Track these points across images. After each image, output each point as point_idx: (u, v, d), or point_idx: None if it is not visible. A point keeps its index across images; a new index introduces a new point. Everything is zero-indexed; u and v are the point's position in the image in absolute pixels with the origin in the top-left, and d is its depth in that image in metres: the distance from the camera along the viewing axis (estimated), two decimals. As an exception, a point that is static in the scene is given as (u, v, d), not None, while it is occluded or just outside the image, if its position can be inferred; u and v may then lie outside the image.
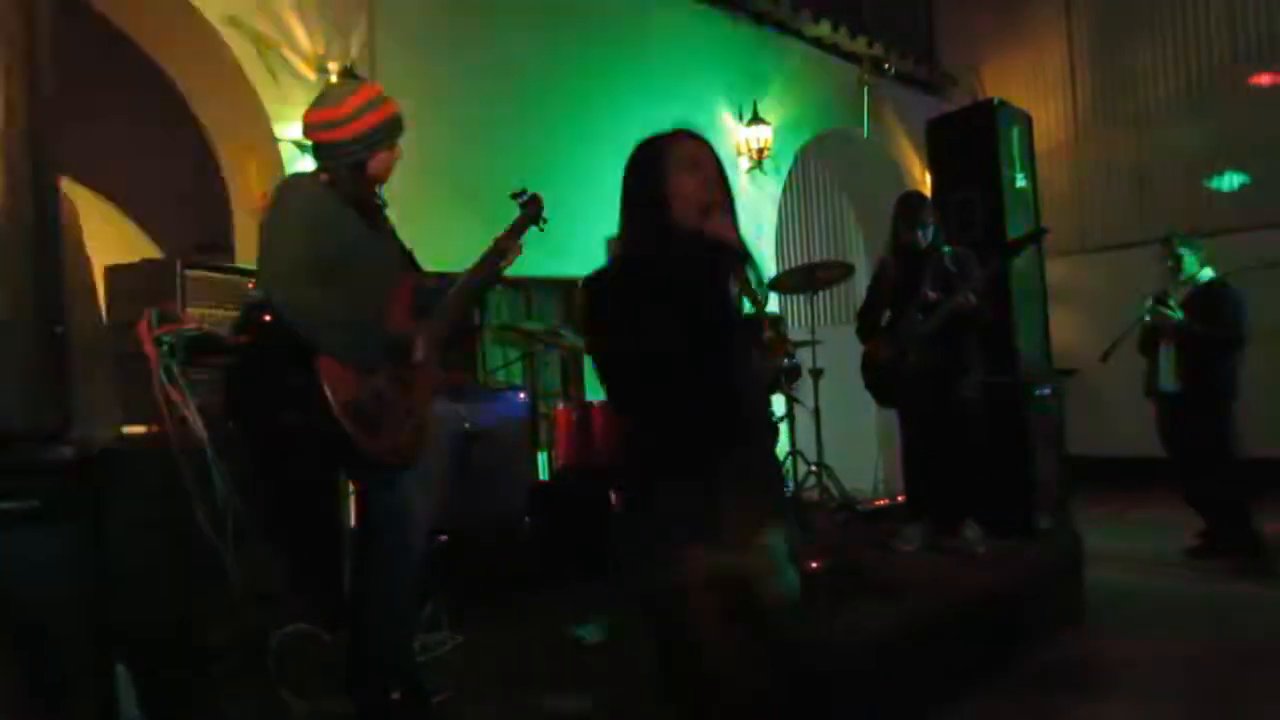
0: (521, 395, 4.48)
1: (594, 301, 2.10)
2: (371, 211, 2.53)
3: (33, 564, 1.24)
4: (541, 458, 4.81)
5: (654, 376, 1.95)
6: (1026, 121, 5.14)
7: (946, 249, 4.25)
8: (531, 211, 2.85)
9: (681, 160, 2.11)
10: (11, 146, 1.21)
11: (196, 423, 2.56)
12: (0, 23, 1.27)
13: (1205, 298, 5.12)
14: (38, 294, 1.23)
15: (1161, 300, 5.20)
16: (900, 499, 4.71)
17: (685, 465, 1.95)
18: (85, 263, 1.94)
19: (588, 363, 6.42)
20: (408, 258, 2.61)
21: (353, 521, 2.88)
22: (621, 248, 2.13)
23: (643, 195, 2.13)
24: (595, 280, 2.13)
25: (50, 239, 1.25)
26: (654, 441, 2.01)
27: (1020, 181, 4.94)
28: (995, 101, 4.98)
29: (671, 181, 2.08)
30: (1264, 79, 7.59)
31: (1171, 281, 5.25)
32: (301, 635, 2.74)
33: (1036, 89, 8.62)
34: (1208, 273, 5.20)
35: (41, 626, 1.25)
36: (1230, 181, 7.77)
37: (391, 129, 2.47)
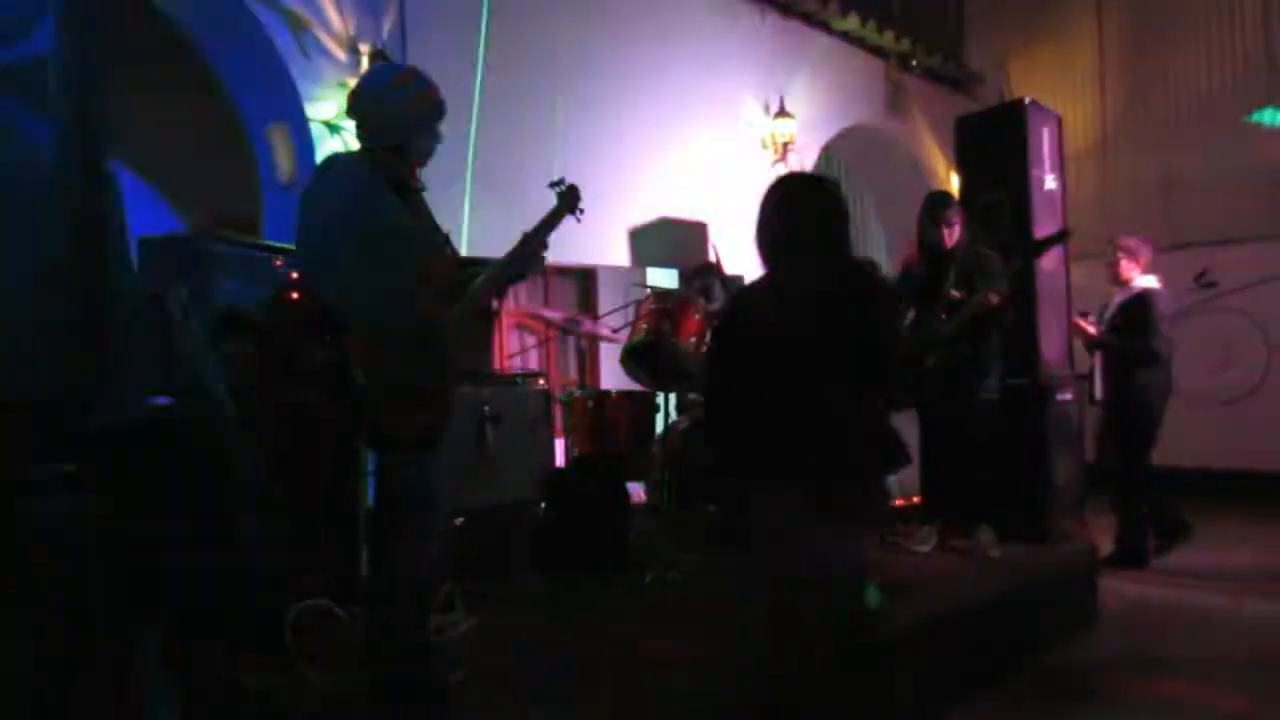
0: (539, 382, 4.49)
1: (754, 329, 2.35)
2: (409, 193, 2.54)
3: (70, 529, 1.26)
4: (559, 444, 4.82)
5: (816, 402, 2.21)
6: (1057, 122, 5.10)
7: (972, 249, 4.24)
8: (568, 201, 2.86)
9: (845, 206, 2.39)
10: (66, 114, 1.24)
11: (223, 397, 2.59)
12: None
13: (1130, 307, 5.10)
14: (84, 261, 1.26)
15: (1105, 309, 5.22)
16: (916, 500, 4.70)
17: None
18: (124, 234, 1.96)
19: (604, 350, 6.45)
20: (443, 241, 2.62)
21: (371, 500, 2.91)
22: (786, 280, 2.36)
23: (825, 234, 2.35)
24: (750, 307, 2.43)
25: (98, 208, 1.27)
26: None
27: (1049, 183, 4.91)
28: (1026, 101, 4.94)
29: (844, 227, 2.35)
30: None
31: (1112, 285, 5.24)
32: (318, 609, 2.77)
33: (1065, 89, 8.53)
34: (1147, 280, 5.16)
35: (77, 591, 1.28)
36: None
37: (434, 113, 2.49)
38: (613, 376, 6.30)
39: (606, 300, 6.91)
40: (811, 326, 2.22)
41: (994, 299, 4.03)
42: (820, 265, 2.32)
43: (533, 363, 5.77)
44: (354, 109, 2.46)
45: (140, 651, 1.39)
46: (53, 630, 1.26)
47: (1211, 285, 7.46)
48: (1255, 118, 7.53)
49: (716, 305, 4.81)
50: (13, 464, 1.24)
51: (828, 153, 7.84)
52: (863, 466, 2.28)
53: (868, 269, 2.49)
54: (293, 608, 2.70)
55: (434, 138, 2.52)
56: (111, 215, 1.39)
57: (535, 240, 2.71)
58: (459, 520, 3.64)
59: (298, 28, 4.57)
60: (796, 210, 2.38)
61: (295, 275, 2.43)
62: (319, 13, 4.66)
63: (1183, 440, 7.20)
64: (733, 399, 2.36)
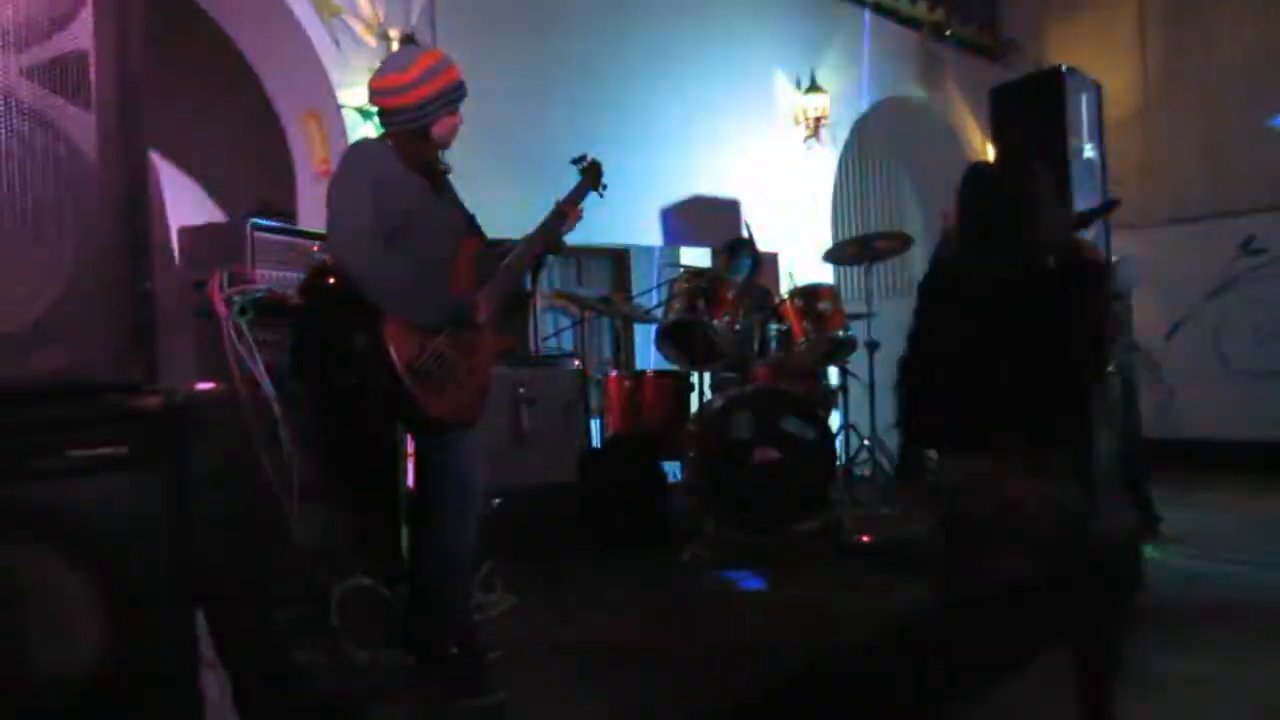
0: (574, 362, 4.52)
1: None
2: (436, 176, 2.56)
3: (121, 507, 1.29)
4: (594, 425, 4.85)
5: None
6: (1096, 90, 4.99)
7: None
8: (592, 177, 2.87)
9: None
10: (105, 103, 1.26)
11: (264, 380, 2.64)
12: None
13: None
14: (129, 253, 1.29)
15: None
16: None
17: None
18: (162, 219, 2.01)
19: (639, 330, 6.46)
20: (471, 222, 2.64)
21: (410, 481, 2.95)
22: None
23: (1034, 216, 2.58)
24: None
25: (140, 202, 1.30)
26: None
27: (1088, 152, 4.82)
28: (1064, 68, 4.84)
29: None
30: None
31: None
32: (362, 589, 2.82)
33: (1105, 55, 8.33)
34: None
35: (129, 569, 1.31)
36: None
37: (455, 94, 2.50)
38: (647, 356, 6.32)
39: (640, 280, 6.92)
40: (1020, 303, 2.43)
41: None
42: (1031, 244, 2.53)
43: (567, 344, 5.80)
44: (376, 94, 2.48)
45: (192, 627, 1.43)
46: (109, 606, 1.30)
47: (1259, 252, 7.28)
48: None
49: (741, 278, 4.78)
50: (65, 446, 1.27)
51: (862, 127, 7.75)
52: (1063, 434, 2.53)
53: (1082, 247, 2.69)
54: (337, 587, 2.75)
55: (457, 120, 2.53)
56: (150, 204, 1.42)
57: (559, 216, 2.72)
58: (497, 500, 3.68)
59: (327, 15, 4.60)
60: (1008, 191, 2.62)
61: (329, 260, 2.45)
62: (350, 1, 4.69)
63: (1230, 411, 7.10)
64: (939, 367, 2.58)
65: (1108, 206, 4.36)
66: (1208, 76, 7.97)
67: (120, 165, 1.27)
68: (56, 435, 1.22)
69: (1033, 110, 4.80)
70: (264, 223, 2.97)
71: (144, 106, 1.32)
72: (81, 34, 1.28)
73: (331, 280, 2.45)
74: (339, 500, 2.95)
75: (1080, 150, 4.75)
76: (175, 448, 1.31)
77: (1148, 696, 3.02)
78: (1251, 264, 7.31)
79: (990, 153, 5.36)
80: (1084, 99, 4.83)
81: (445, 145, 2.57)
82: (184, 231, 2.96)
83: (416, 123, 2.46)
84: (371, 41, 4.76)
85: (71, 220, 1.25)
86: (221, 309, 2.61)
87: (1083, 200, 4.62)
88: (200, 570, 1.43)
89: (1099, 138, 4.92)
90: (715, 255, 6.21)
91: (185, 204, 5.69)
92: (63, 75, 1.26)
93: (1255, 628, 3.78)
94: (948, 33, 8.25)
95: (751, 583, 3.64)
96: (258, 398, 2.64)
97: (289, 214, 4.96)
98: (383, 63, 2.59)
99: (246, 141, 5.70)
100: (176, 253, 2.87)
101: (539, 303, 5.37)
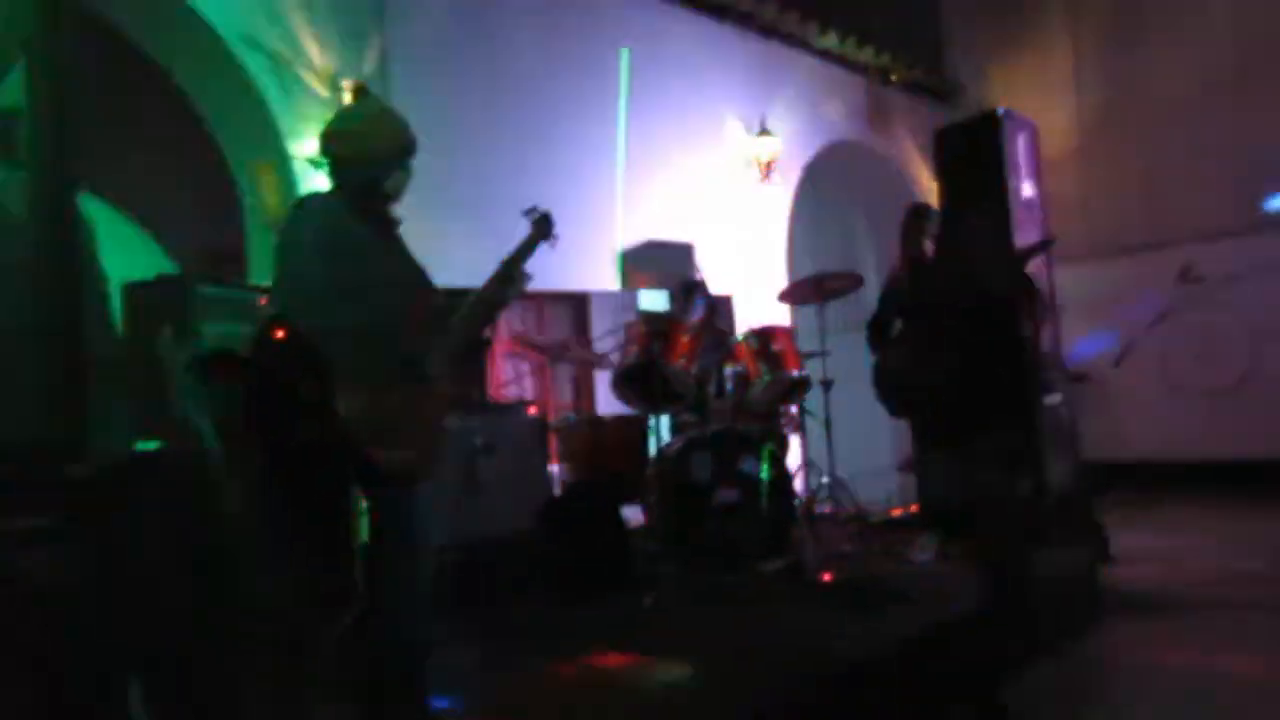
0: (533, 409, 4.49)
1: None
2: (385, 228, 2.56)
3: (51, 577, 1.26)
4: (554, 471, 4.82)
5: None
6: (1032, 130, 5.14)
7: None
8: (542, 229, 2.87)
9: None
10: (37, 162, 1.24)
11: (210, 437, 2.59)
12: (26, 39, 1.30)
13: None
14: (57, 311, 1.26)
15: None
16: (914, 508, 4.70)
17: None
18: (100, 278, 1.97)
19: (598, 375, 6.45)
20: (421, 274, 2.64)
21: (365, 536, 2.90)
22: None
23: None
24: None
25: (71, 258, 1.28)
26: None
27: (1027, 190, 4.95)
28: (1000, 111, 4.98)
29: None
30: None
31: None
32: (315, 645, 2.75)
33: (1043, 95, 8.60)
34: None
35: (60, 639, 1.27)
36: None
37: (405, 148, 2.51)
38: (607, 401, 6.31)
39: (599, 325, 6.93)
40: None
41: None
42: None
43: (526, 390, 5.77)
44: (326, 148, 2.48)
45: (126, 696, 1.38)
46: (41, 678, 1.26)
47: (1197, 280, 7.51)
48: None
49: (696, 320, 4.81)
50: (-5, 515, 1.24)
51: (813, 169, 7.88)
52: None
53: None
54: (287, 643, 2.68)
55: (406, 173, 2.54)
56: (87, 263, 1.40)
57: (511, 268, 2.72)
58: (455, 552, 3.63)
59: (279, 66, 4.61)
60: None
61: (278, 313, 2.43)
62: (300, 50, 4.70)
63: (1179, 432, 7.28)
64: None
65: (1044, 244, 4.48)
66: (1142, 111, 8.25)
67: (52, 225, 1.25)
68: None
69: (974, 152, 4.94)
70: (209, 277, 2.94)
71: (77, 164, 1.30)
72: (13, 92, 1.26)
73: (280, 333, 2.42)
74: (289, 554, 2.89)
75: (1019, 189, 4.87)
76: (107, 513, 1.28)
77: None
78: (1191, 291, 7.53)
79: (936, 193, 5.48)
80: (1020, 139, 4.98)
81: (395, 198, 2.57)
82: (129, 287, 2.91)
83: (367, 176, 2.47)
84: (324, 92, 4.76)
85: (2, 280, 1.22)
86: (166, 364, 2.57)
87: (1023, 237, 4.74)
88: (137, 631, 1.40)
89: (1036, 176, 5.06)
90: (671, 298, 6.25)
91: (133, 255, 5.62)
92: (-7, 135, 1.25)
93: (1213, 654, 3.83)
94: (894, 77, 8.46)
95: (714, 625, 3.61)
96: (204, 454, 2.59)
97: (239, 265, 4.91)
98: (334, 115, 2.59)
99: (197, 192, 5.66)
100: (121, 309, 2.82)
101: (497, 349, 5.35)
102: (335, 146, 2.47)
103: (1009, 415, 4.19)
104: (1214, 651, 3.79)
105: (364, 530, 2.84)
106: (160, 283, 3.03)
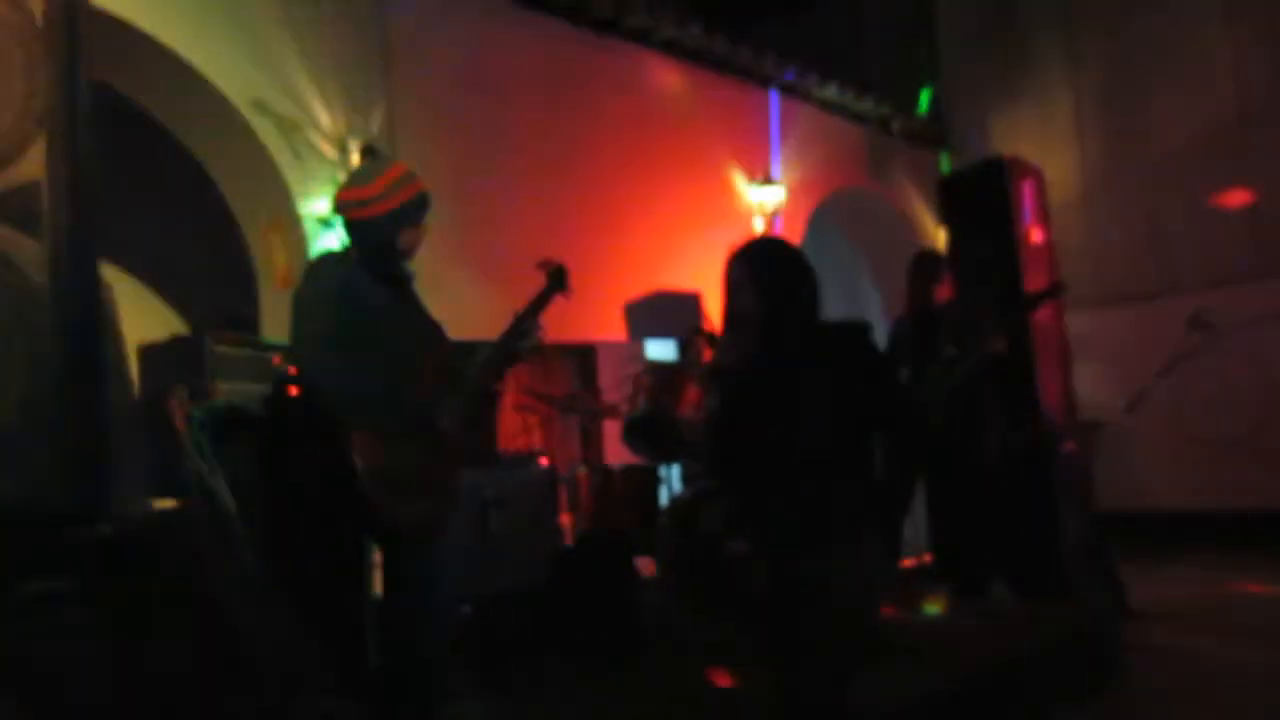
0: (543, 461, 4.49)
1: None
2: (400, 285, 2.59)
3: (67, 640, 1.25)
4: (565, 523, 4.79)
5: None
6: (1038, 176, 5.19)
7: (961, 306, 4.27)
8: (557, 281, 2.89)
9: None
10: (57, 231, 1.27)
11: (226, 496, 2.60)
12: (44, 112, 1.33)
13: None
14: (76, 377, 1.28)
15: None
16: (927, 558, 4.66)
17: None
18: (118, 341, 2.00)
19: (607, 427, 6.45)
20: (435, 329, 2.66)
21: (378, 590, 2.88)
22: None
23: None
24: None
25: (90, 322, 1.30)
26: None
27: (1035, 236, 4.97)
28: (1005, 158, 5.03)
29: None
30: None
31: None
32: (330, 711, 2.72)
33: (1046, 142, 8.67)
34: None
35: (75, 701, 1.27)
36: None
37: (419, 206, 2.54)
38: (616, 452, 6.30)
39: (607, 376, 6.94)
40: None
41: (999, 345, 4.03)
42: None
43: (536, 442, 5.76)
44: (339, 206, 2.52)
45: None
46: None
47: (1208, 327, 7.48)
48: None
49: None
50: (12, 579, 1.24)
51: (817, 218, 7.95)
52: None
53: None
54: (304, 711, 2.65)
55: (421, 229, 2.57)
56: (106, 326, 1.42)
57: (526, 321, 2.74)
58: (467, 607, 3.60)
59: (289, 130, 4.69)
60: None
61: (293, 371, 2.45)
62: (309, 113, 4.79)
63: (1192, 482, 7.20)
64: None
65: (1055, 290, 4.49)
66: (1146, 158, 8.30)
67: (73, 295, 1.27)
68: (3, 568, 1.19)
69: (979, 198, 4.97)
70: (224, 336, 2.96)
71: (96, 232, 1.33)
72: (33, 165, 1.29)
73: (294, 391, 2.44)
74: (304, 613, 2.87)
75: (1027, 234, 4.90)
76: (125, 577, 1.28)
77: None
78: (1201, 338, 7.50)
79: (941, 240, 5.52)
80: (1026, 186, 5.01)
81: (409, 256, 2.60)
82: (144, 348, 2.94)
83: (382, 235, 2.50)
84: (332, 153, 4.84)
85: (22, 349, 1.24)
86: (181, 425, 2.59)
87: (1033, 282, 4.75)
88: (153, 695, 1.39)
89: (1045, 221, 5.09)
90: (682, 346, 6.26)
91: (147, 317, 5.67)
92: (15, 206, 1.27)
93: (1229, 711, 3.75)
94: (894, 126, 8.56)
95: (726, 679, 3.56)
96: (219, 513, 2.60)
97: (252, 326, 4.95)
98: (349, 176, 2.64)
99: (209, 254, 5.73)
100: (136, 370, 2.85)
101: (506, 401, 5.36)
102: (348, 205, 2.51)
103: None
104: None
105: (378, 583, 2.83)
106: (175, 343, 3.06)
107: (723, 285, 2.51)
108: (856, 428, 2.38)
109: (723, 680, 3.40)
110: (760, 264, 2.50)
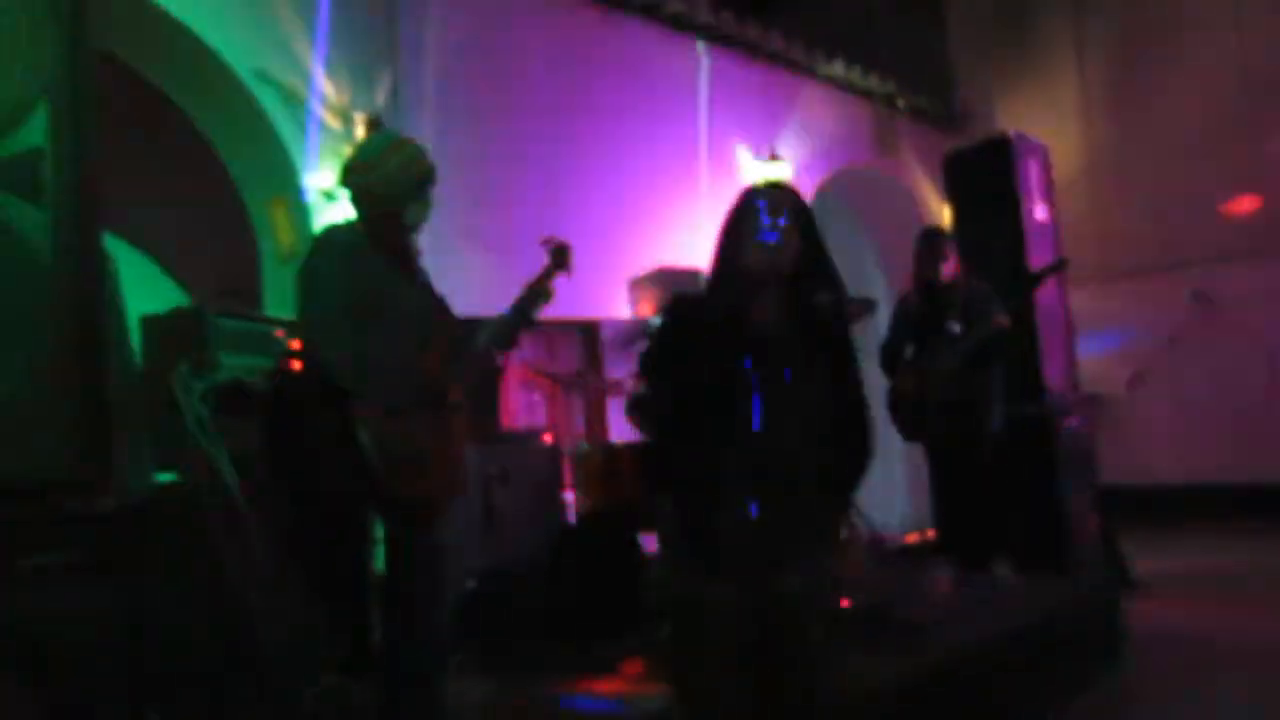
0: (547, 438, 4.49)
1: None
2: (406, 259, 2.57)
3: (71, 615, 1.25)
4: (569, 500, 4.80)
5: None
6: (1043, 154, 5.15)
7: (968, 281, 4.26)
8: (560, 259, 2.88)
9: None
10: (60, 201, 1.26)
11: (228, 470, 2.59)
12: (49, 81, 1.31)
13: None
14: (80, 348, 1.27)
15: None
16: (930, 534, 4.66)
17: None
18: (120, 314, 1.99)
19: (611, 403, 6.45)
20: (441, 303, 2.65)
21: (382, 567, 2.89)
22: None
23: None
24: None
25: (94, 295, 1.29)
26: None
27: (1040, 213, 4.94)
28: (1012, 134, 5.00)
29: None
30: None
31: None
32: (333, 688, 2.73)
33: (1052, 121, 8.62)
34: None
35: (79, 677, 1.27)
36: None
37: (426, 180, 2.52)
38: (620, 428, 6.30)
39: (611, 352, 6.93)
40: None
41: (1004, 321, 4.04)
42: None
43: (540, 419, 5.76)
44: (347, 180, 2.50)
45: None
46: (59, 717, 1.25)
47: (1208, 303, 7.49)
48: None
49: None
50: (16, 553, 1.23)
51: (823, 195, 7.90)
52: None
53: None
54: (306, 690, 2.66)
55: (427, 204, 2.55)
56: (108, 298, 1.41)
57: (531, 297, 2.74)
58: (471, 583, 3.61)
59: (292, 101, 4.65)
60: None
61: (297, 345, 2.44)
62: (313, 84, 4.75)
63: (1193, 457, 7.23)
64: None
65: (1058, 265, 4.47)
66: (1150, 136, 8.26)
67: (76, 264, 1.26)
68: (6, 541, 1.18)
69: (985, 175, 4.94)
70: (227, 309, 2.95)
71: (100, 203, 1.32)
72: (36, 133, 1.28)
73: (298, 365, 2.43)
74: (308, 589, 2.88)
75: (1032, 211, 4.87)
76: (128, 550, 1.27)
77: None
78: (1204, 314, 7.50)
79: (947, 216, 5.49)
80: (1032, 162, 4.98)
81: (416, 230, 2.59)
82: (146, 320, 2.93)
83: (388, 208, 2.48)
84: (337, 125, 4.81)
85: (24, 319, 1.23)
86: (182, 398, 2.58)
87: (1037, 258, 4.73)
88: (157, 670, 1.39)
89: (1050, 198, 5.06)
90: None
91: (149, 290, 5.65)
92: (18, 175, 1.26)
93: (1239, 686, 3.76)
94: (900, 103, 8.49)
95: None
96: (222, 487, 2.59)
97: (255, 299, 4.94)
98: (355, 149, 2.62)
99: (212, 226, 5.71)
100: (139, 342, 2.84)
101: (510, 378, 5.35)
102: (356, 178, 2.49)
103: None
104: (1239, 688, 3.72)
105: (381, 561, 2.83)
106: (177, 315, 3.05)
107: (730, 234, 2.25)
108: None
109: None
110: (803, 212, 2.19)
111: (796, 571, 1.99)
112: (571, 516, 4.65)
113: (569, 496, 4.68)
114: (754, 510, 1.99)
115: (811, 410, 2.02)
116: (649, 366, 2.21)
